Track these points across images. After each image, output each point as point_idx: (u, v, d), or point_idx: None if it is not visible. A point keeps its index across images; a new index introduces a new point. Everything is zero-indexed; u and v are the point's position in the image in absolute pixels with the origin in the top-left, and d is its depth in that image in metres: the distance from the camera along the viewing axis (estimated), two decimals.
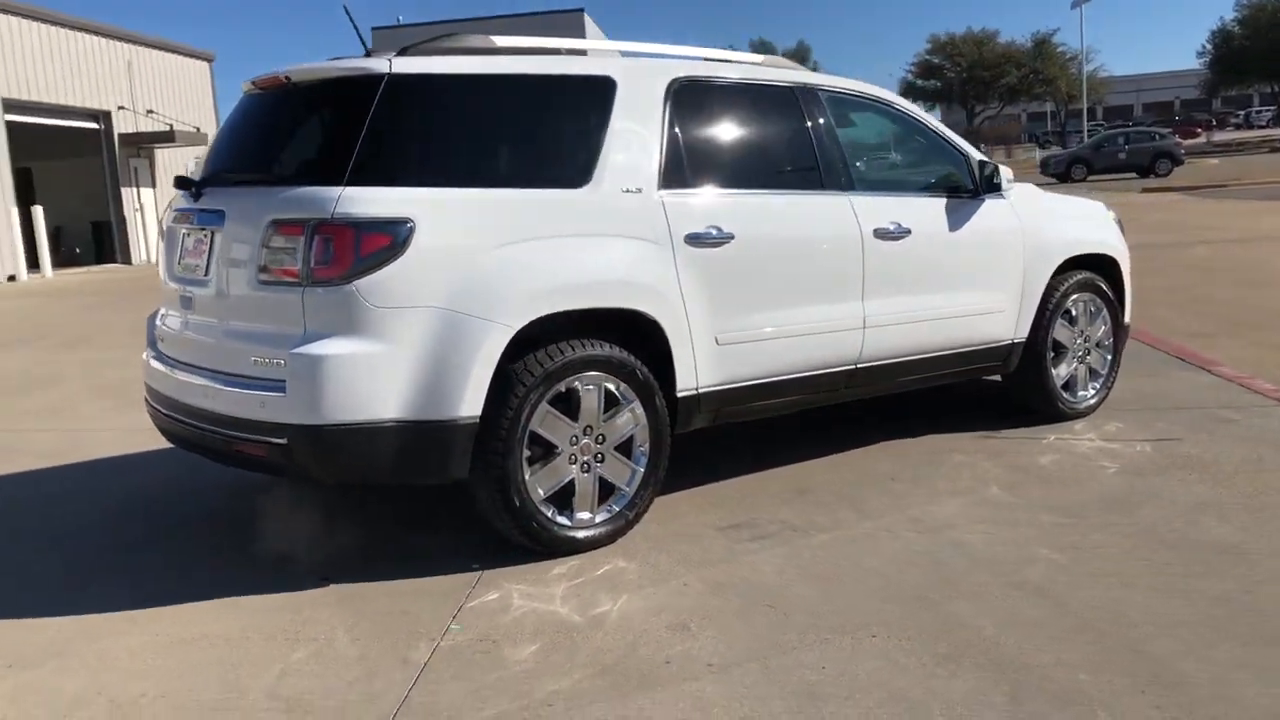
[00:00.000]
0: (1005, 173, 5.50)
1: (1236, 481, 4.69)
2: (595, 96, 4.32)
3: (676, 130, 4.46)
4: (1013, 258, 5.48)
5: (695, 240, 4.35)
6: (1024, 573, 3.79)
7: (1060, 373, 5.79)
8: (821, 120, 4.92)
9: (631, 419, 4.23)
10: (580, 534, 4.12)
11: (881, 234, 4.93)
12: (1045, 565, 3.85)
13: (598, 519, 4.18)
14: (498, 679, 3.15)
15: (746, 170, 4.71)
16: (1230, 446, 5.19)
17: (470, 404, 3.81)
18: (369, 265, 3.69)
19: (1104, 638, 3.25)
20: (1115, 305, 5.99)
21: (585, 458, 4.13)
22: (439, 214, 3.81)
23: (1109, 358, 6.03)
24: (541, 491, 4.03)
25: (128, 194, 25.72)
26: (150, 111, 26.49)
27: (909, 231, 5.03)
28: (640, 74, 4.49)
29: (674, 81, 4.53)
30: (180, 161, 25.29)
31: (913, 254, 5.06)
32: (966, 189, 5.36)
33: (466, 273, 3.82)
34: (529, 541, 4.04)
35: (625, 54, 4.84)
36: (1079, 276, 5.78)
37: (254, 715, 3.00)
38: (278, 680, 3.19)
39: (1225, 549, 3.92)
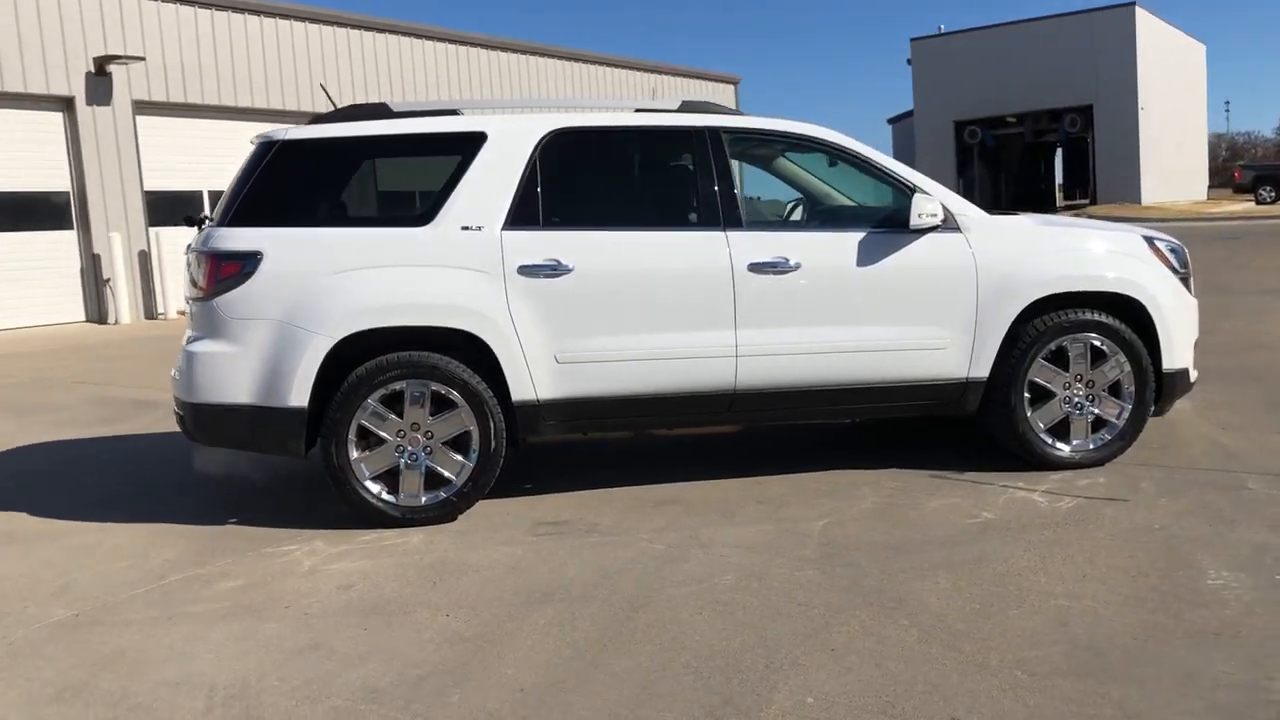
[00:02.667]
0: (952, 206, 5.33)
1: (1073, 548, 4.32)
2: (460, 150, 5.15)
3: (538, 176, 5.13)
4: (956, 292, 5.29)
5: (529, 271, 5.01)
6: (662, 592, 4.05)
7: (1042, 417, 5.42)
8: (713, 162, 5.24)
9: (462, 421, 5.03)
10: (401, 513, 5.00)
11: (759, 267, 5.14)
12: (692, 589, 4.06)
13: (423, 501, 5.03)
14: (179, 595, 4.24)
15: (603, 210, 5.23)
16: (1166, 517, 4.67)
17: (298, 396, 4.89)
18: (226, 286, 4.93)
19: (568, 651, 3.56)
20: (1138, 349, 5.42)
21: (412, 449, 5.01)
22: (285, 248, 4.94)
23: (1127, 407, 5.47)
24: (368, 471, 4.99)
25: None
26: None
27: (797, 266, 5.17)
28: (515, 128, 5.22)
29: (549, 134, 5.20)
30: None
31: (803, 287, 5.18)
32: (906, 224, 5.29)
33: (303, 294, 4.90)
34: (354, 512, 5.01)
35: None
36: (1075, 315, 5.37)
37: (35, 593, 4.38)
38: (86, 576, 4.55)
39: (883, 601, 3.85)
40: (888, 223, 5.36)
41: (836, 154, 5.51)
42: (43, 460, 6.95)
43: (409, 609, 4.01)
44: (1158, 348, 5.47)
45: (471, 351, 5.04)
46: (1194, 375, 5.74)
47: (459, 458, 5.06)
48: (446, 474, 5.05)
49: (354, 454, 4.97)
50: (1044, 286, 5.34)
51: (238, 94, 18.75)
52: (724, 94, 32.91)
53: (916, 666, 3.33)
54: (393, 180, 5.34)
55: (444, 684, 3.36)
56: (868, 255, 5.26)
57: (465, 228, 5.04)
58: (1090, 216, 31.15)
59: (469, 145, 5.16)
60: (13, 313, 15.85)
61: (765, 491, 5.33)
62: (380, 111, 5.32)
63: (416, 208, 5.12)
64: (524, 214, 5.10)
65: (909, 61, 41.29)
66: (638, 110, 5.44)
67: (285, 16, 19.67)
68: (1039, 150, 47.07)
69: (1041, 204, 44.58)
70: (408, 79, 22.04)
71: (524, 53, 25.24)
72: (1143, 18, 37.79)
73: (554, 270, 5.03)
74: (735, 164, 5.33)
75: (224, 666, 3.57)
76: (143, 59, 17.01)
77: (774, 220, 5.48)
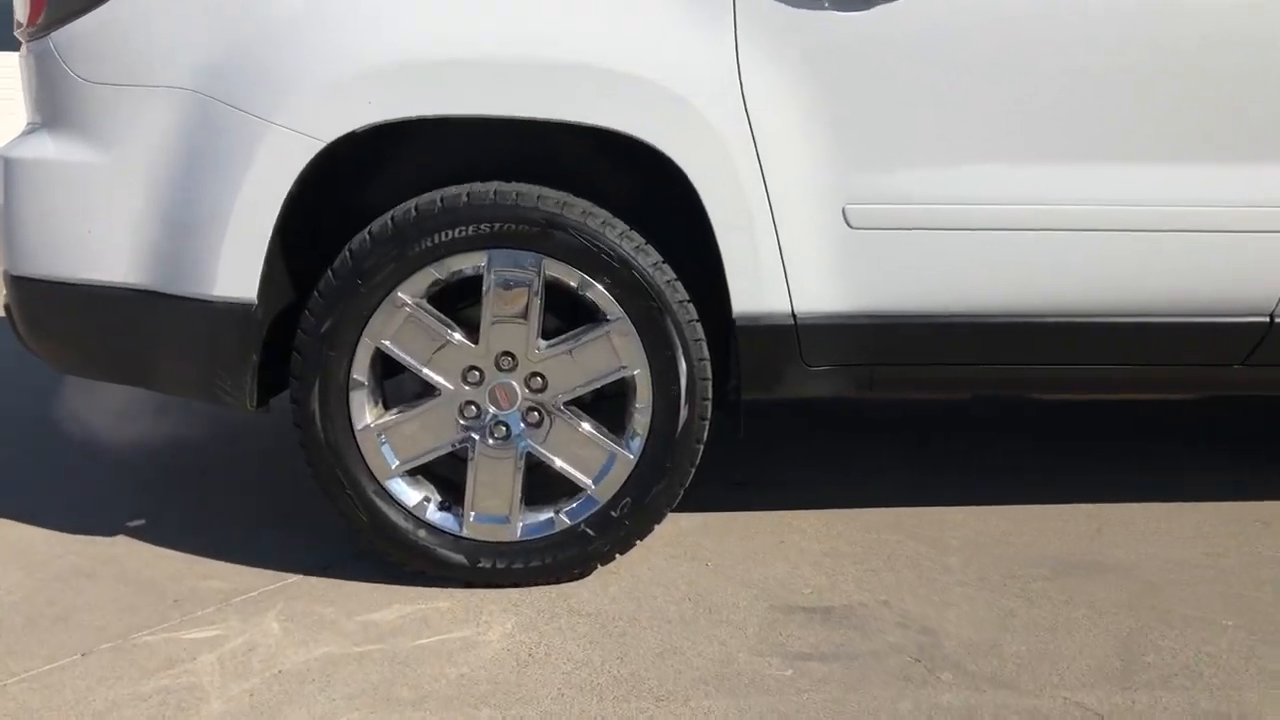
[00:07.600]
0: None
1: None
2: None
3: None
4: None
5: None
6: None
7: None
8: None
9: (614, 353, 2.11)
10: (468, 556, 2.16)
11: None
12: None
13: (519, 531, 2.18)
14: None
15: None
16: None
17: (237, 276, 2.05)
18: (76, 5, 2.08)
19: None
20: None
21: (496, 411, 2.13)
22: None
23: None
24: (396, 457, 2.15)
25: None
26: None
27: None
28: None
29: None
30: None
31: None
32: None
33: (246, 25, 2.02)
34: (364, 543, 2.20)
35: None
36: None
37: None
38: None
39: None
40: None
41: None
42: None
43: None
44: None
45: (645, 191, 2.10)
46: None
47: (604, 437, 2.15)
48: (574, 472, 2.16)
49: (366, 416, 2.12)
50: None
51: None
52: None
53: None
54: None
55: None
56: None
57: None
58: None
59: None
60: None
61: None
62: None
63: None
64: None
65: None
66: None
67: None
68: None
69: None
70: None
71: None
72: None
73: None
74: None
75: None
76: None
77: None
